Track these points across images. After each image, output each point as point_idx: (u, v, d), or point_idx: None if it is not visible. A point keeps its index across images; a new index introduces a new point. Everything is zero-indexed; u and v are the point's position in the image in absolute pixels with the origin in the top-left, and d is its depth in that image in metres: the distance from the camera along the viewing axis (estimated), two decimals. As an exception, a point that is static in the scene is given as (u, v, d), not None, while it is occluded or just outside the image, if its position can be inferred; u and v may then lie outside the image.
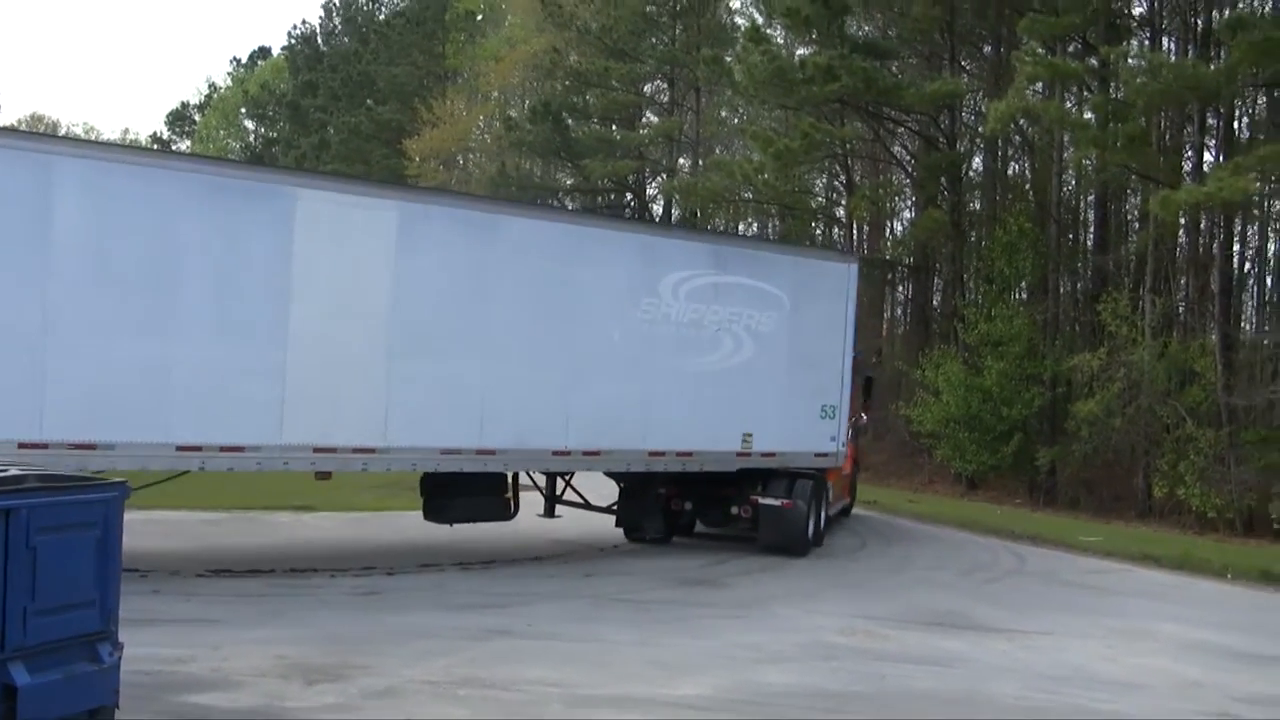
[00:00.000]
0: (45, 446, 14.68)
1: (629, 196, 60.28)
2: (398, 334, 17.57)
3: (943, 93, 36.92)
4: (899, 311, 54.20)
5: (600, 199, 60.85)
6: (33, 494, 8.32)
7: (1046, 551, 25.31)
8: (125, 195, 15.51)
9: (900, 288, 52.59)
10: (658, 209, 59.20)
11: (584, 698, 11.76)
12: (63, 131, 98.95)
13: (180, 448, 15.83)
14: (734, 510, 22.41)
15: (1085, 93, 37.04)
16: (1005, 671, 13.98)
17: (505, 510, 20.35)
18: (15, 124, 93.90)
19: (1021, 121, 38.61)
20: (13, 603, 8.05)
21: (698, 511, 23.10)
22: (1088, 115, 35.37)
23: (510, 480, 20.26)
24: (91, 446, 15.08)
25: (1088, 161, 37.32)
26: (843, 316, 23.18)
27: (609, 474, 21.77)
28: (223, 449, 16.12)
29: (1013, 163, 47.00)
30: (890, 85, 37.49)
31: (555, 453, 19.46)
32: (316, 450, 16.91)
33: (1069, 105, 37.02)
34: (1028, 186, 44.20)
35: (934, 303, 46.93)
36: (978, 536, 26.93)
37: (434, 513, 19.80)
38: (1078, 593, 20.54)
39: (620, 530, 23.04)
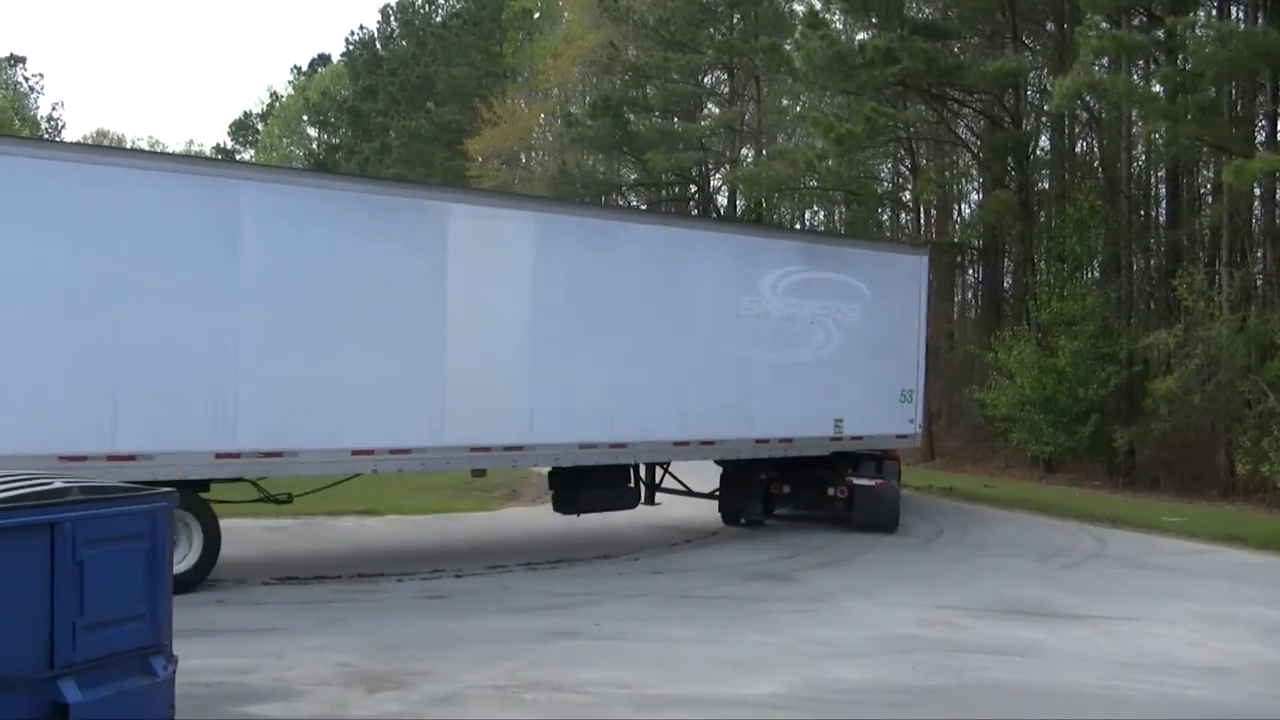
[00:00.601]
0: (238, 456, 16.06)
1: (693, 189, 59.91)
2: (539, 338, 18.97)
3: (1005, 71, 36.30)
4: (969, 295, 53.55)
5: (664, 193, 60.51)
6: (77, 506, 8.13)
7: (1127, 534, 24.74)
8: (301, 218, 16.68)
9: (970, 271, 51.91)
10: (722, 200, 58.81)
11: (651, 698, 11.48)
12: (129, 144, 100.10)
13: (354, 452, 17.10)
14: (830, 491, 23.68)
15: (1152, 65, 36.23)
16: (1086, 660, 13.56)
17: (631, 499, 21.86)
18: (83, 139, 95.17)
19: (1088, 97, 37.91)
20: (61, 618, 7.85)
21: (795, 494, 24.12)
22: (1156, 88, 34.67)
23: (633, 470, 21.79)
24: (279, 454, 16.40)
25: (1157, 135, 36.51)
26: (917, 305, 24.88)
27: (718, 461, 23.12)
28: (392, 452, 17.41)
29: (1080, 140, 46.28)
30: (952, 66, 36.91)
31: (675, 443, 20.93)
32: (473, 450, 18.33)
33: (1136, 79, 36.23)
34: (1096, 163, 43.39)
35: (1005, 285, 46.25)
36: (1056, 520, 26.40)
37: (565, 504, 21.23)
38: (1161, 576, 20.02)
39: (674, 522, 23.77)
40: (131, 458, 15.08)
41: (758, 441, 22.02)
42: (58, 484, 8.44)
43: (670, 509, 23.80)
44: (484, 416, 18.22)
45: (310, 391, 16.61)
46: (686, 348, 20.91)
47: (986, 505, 28.99)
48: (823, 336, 23.06)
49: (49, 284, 14.82)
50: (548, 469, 20.69)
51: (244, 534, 20.69)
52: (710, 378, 21.18)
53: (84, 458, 14.64)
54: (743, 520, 23.96)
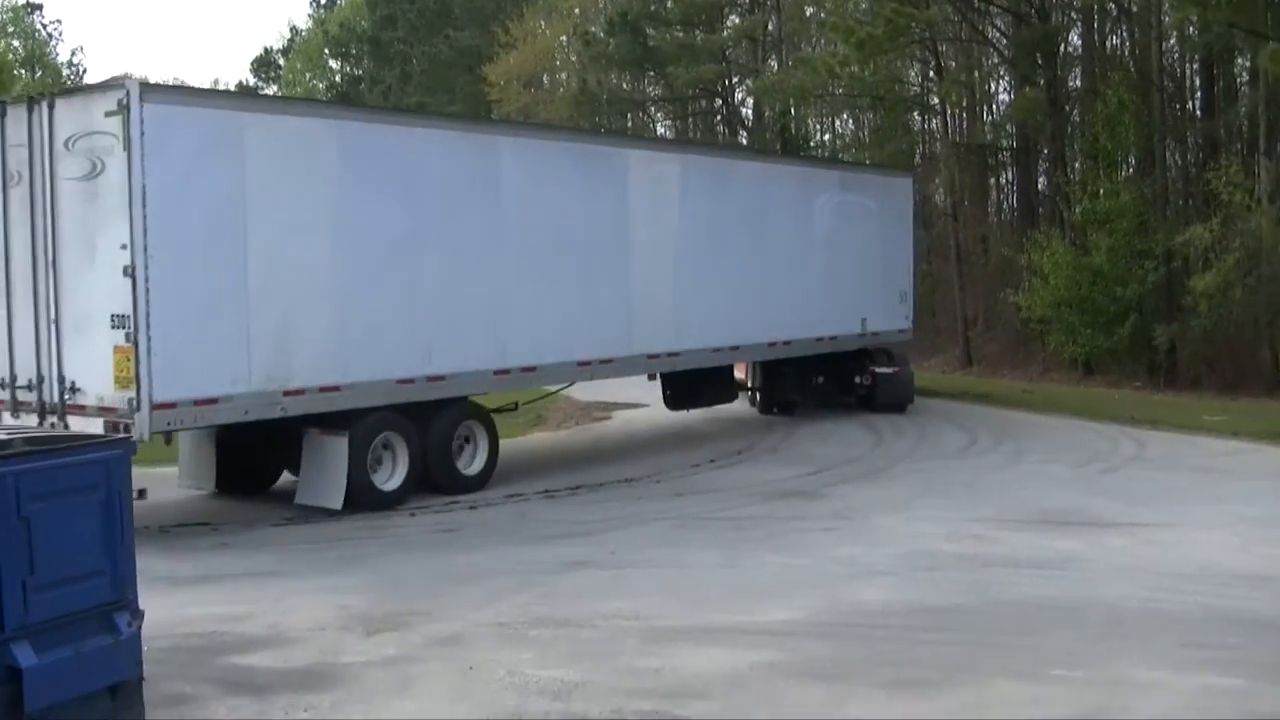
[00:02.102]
0: (509, 372, 18.88)
1: (718, 103, 58.78)
2: (683, 262, 22.23)
3: (1030, -37, 35.11)
4: (1003, 197, 52.42)
5: (689, 107, 59.42)
6: (20, 459, 7.60)
7: (1168, 435, 24.01)
8: (538, 169, 19.43)
9: (1004, 173, 50.76)
10: (747, 113, 57.67)
11: (663, 630, 10.97)
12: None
13: (579, 364, 20.35)
14: (858, 380, 27.57)
15: (1182, -51, 34.94)
16: (1124, 571, 12.98)
17: (734, 394, 25.96)
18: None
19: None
20: (9, 578, 7.35)
21: (827, 385, 27.47)
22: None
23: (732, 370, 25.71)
24: (534, 369, 19.44)
25: (1190, 24, 35.31)
26: (908, 218, 29.78)
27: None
28: (602, 362, 20.65)
29: (1111, 34, 44.94)
30: (974, -40, 35.74)
31: (769, 344, 24.68)
32: (649, 357, 21.81)
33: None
34: (1127, 57, 42.15)
35: (1039, 185, 45.15)
36: (1095, 424, 25.64)
37: (681, 401, 24.91)
38: (1203, 478, 19.36)
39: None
40: (441, 379, 17.69)
41: (817, 340, 25.81)
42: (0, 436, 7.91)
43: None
44: (653, 330, 21.51)
45: (552, 315, 19.47)
46: (772, 263, 24.34)
47: (1024, 411, 28.24)
48: (852, 249, 26.88)
49: (385, 236, 17.01)
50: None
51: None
52: (787, 288, 24.68)
53: (411, 380, 17.29)
54: (775, 410, 27.14)
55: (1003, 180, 51.43)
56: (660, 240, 21.93)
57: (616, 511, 16.91)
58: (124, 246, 14.19)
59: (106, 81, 16.70)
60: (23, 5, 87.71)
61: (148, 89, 14.75)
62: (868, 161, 46.93)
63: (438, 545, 14.93)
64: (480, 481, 18.53)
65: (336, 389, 16.25)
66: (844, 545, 14.44)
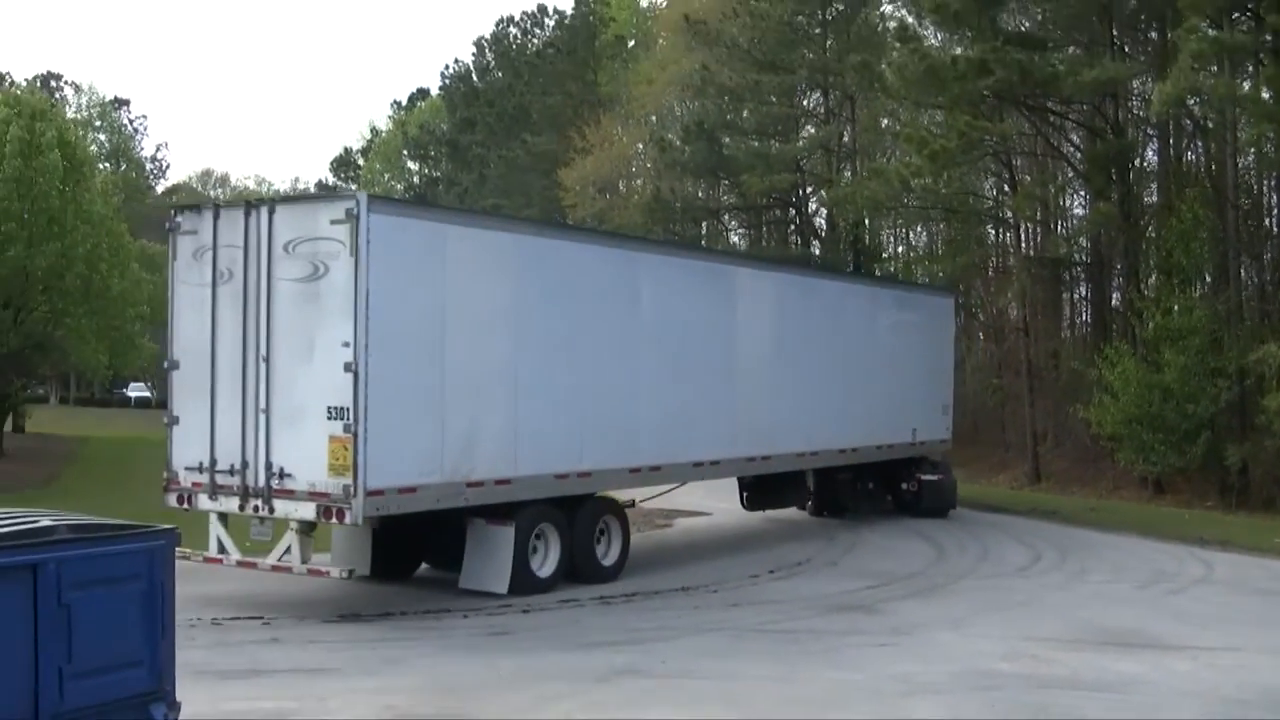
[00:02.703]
0: (639, 470, 20.24)
1: (791, 212, 58.98)
2: (779, 371, 23.78)
3: (1104, 79, 35.00)
4: (1075, 311, 52.03)
5: (762, 216, 59.66)
6: (63, 546, 7.65)
7: (1237, 557, 23.54)
8: (670, 282, 21.06)
9: (1077, 287, 50.42)
10: (820, 222, 57.79)
11: (709, 742, 10.78)
12: (233, 183, 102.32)
13: (695, 464, 21.62)
14: (904, 486, 29.09)
15: (1259, 66, 34.82)
16: (1185, 696, 12.65)
17: (807, 498, 27.32)
18: (187, 179, 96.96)
19: (1193, 103, 36.56)
20: (46, 666, 7.38)
21: (876, 490, 28.74)
22: (1263, 93, 33.31)
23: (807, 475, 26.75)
24: (659, 468, 20.71)
25: (1268, 140, 35.08)
26: (950, 335, 32.50)
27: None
28: (712, 463, 21.95)
29: (1186, 150, 44.73)
30: (1048, 76, 35.67)
31: (840, 451, 26.10)
32: (748, 460, 23.25)
33: (1240, 82, 34.79)
34: (1202, 172, 41.89)
35: (1113, 300, 44.77)
36: (1162, 544, 25.20)
37: (760, 503, 26.32)
38: (1271, 602, 18.95)
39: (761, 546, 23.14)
40: (589, 474, 19.00)
41: (877, 448, 27.33)
42: (45, 522, 7.97)
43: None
44: (752, 434, 22.76)
45: (675, 418, 20.71)
46: (844, 375, 25.99)
47: (1090, 529, 27.77)
48: (904, 363, 28.47)
49: (551, 338, 18.44)
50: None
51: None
52: (855, 398, 26.27)
53: (565, 476, 18.53)
54: (824, 513, 27.96)
55: (1076, 295, 51.12)
56: (759, 350, 23.38)
57: (671, 620, 16.72)
58: (346, 344, 15.45)
59: (333, 192, 17.64)
60: (109, 101, 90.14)
61: (374, 200, 16.04)
62: (941, 274, 47.13)
63: (488, 648, 14.81)
64: (615, 572, 19.55)
65: (508, 482, 17.54)
66: (900, 662, 14.19)
